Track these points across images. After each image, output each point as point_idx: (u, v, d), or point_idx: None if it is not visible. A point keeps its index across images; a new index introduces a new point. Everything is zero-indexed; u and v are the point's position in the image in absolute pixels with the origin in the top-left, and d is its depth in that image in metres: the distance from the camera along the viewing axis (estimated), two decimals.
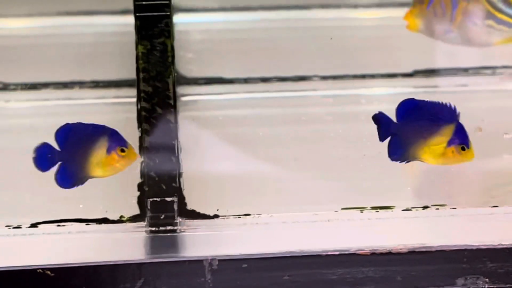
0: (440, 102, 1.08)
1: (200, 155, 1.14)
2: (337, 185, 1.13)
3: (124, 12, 1.55)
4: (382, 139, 1.08)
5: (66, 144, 1.05)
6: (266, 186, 1.12)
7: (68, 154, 1.04)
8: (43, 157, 1.03)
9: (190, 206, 1.03)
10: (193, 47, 1.43)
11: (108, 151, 1.03)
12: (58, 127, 1.32)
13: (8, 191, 1.13)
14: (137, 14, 1.00)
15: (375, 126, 1.28)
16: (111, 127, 1.03)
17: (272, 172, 1.15)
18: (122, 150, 1.03)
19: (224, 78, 1.44)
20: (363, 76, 1.45)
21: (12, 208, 1.08)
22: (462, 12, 1.25)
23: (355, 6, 1.57)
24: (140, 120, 1.01)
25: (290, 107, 1.39)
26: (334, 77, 1.45)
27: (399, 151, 1.07)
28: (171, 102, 1.02)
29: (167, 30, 1.02)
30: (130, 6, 1.51)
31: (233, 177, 1.14)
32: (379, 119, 1.08)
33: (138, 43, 1.01)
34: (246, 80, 1.45)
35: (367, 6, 1.56)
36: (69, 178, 1.04)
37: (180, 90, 1.39)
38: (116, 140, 1.03)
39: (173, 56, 1.02)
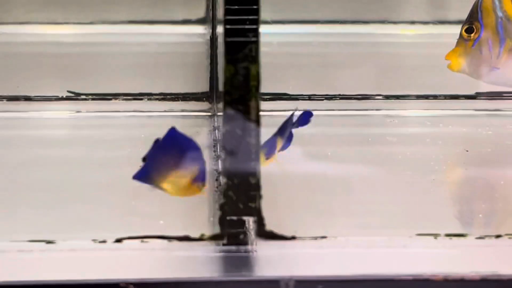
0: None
1: (276, 176, 1.16)
2: (409, 209, 1.14)
3: (185, 22, 1.55)
4: None
5: (162, 147, 1.06)
6: (340, 208, 1.13)
7: (157, 156, 1.05)
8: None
9: (268, 226, 1.05)
10: None
11: (194, 181, 1.06)
12: (127, 139, 1.35)
13: (87, 204, 1.15)
14: (226, 40, 1.02)
15: (442, 150, 1.31)
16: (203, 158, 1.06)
17: (344, 194, 1.17)
18: (203, 185, 1.07)
19: (289, 95, 1.47)
20: (426, 97, 1.47)
21: (93, 221, 1.10)
22: (509, 50, 1.26)
23: (413, 22, 1.57)
24: (224, 142, 1.03)
25: (353, 127, 1.42)
26: (397, 97, 1.47)
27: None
28: (253, 125, 1.04)
29: (252, 56, 1.03)
30: (191, 16, 1.55)
31: (308, 199, 1.15)
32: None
33: (225, 67, 1.03)
34: (310, 97, 1.47)
35: (424, 22, 1.56)
36: (145, 176, 1.05)
37: None
38: (204, 174, 1.06)
39: (258, 81, 1.03)
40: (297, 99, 1.46)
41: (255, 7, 1.04)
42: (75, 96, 1.45)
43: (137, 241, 1.05)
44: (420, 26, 1.56)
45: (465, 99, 1.46)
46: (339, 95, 1.47)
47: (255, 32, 1.03)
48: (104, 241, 1.05)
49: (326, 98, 1.46)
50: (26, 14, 1.52)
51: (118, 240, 1.05)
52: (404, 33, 1.56)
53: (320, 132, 1.37)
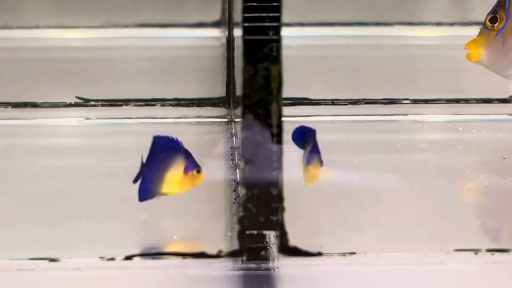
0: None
1: (299, 186, 1.10)
2: (445, 222, 1.09)
3: (199, 25, 1.53)
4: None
5: (150, 157, 1.07)
6: (369, 221, 1.09)
7: (149, 167, 1.06)
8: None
9: (292, 241, 1.00)
10: None
11: (186, 171, 1.05)
12: (139, 147, 1.31)
13: (94, 218, 1.11)
14: (245, 38, 0.95)
15: (476, 157, 1.26)
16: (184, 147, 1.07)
17: (374, 206, 1.12)
18: (198, 171, 1.06)
19: (310, 99, 1.42)
20: (456, 101, 1.42)
21: (101, 237, 1.07)
22: None
23: (439, 23, 1.53)
24: (243, 149, 0.97)
25: (380, 133, 1.37)
26: (426, 101, 1.42)
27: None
28: (273, 130, 0.98)
29: (273, 56, 0.97)
30: (206, 19, 1.53)
31: (335, 211, 1.11)
32: None
33: (243, 67, 0.97)
34: (333, 102, 1.43)
35: (451, 24, 1.52)
36: (146, 191, 1.06)
37: None
38: (192, 161, 1.06)
39: (279, 83, 0.97)
40: (319, 104, 1.42)
41: (275, 4, 0.99)
42: (84, 103, 1.42)
43: (149, 258, 1.02)
44: (446, 28, 1.52)
45: (499, 102, 1.42)
46: (364, 99, 1.42)
47: (276, 30, 0.97)
48: (112, 259, 1.01)
49: (350, 103, 1.42)
50: (34, 19, 1.50)
51: (128, 258, 1.01)
52: (430, 34, 1.52)
53: (345, 139, 1.33)
